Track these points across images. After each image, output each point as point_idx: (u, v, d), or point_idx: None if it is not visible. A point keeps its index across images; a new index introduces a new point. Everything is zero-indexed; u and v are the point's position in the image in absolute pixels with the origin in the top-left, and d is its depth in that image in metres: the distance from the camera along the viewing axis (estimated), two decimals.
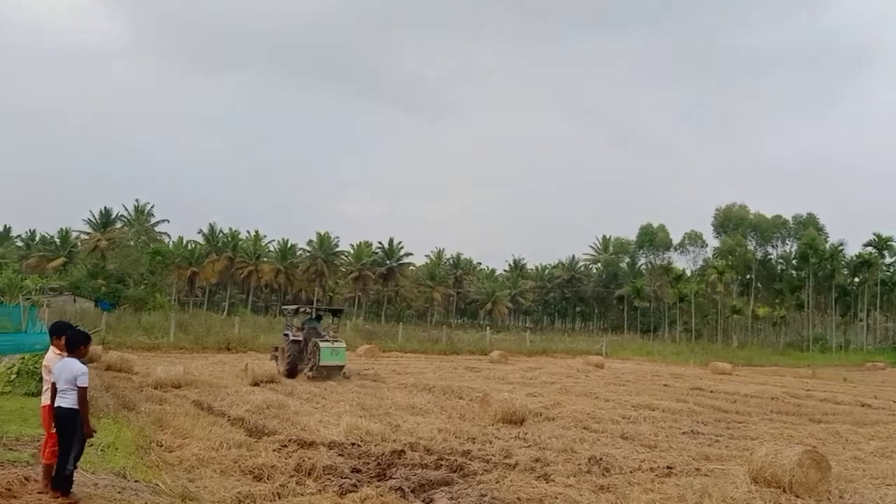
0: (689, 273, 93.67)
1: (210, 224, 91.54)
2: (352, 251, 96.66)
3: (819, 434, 14.25)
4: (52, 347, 6.97)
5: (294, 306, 25.84)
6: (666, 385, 25.48)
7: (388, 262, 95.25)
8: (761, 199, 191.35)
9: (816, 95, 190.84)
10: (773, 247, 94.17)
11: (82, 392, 6.19)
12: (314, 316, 25.08)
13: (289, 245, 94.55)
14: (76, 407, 6.19)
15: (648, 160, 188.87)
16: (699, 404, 18.81)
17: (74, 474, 6.23)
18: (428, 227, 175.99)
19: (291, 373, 21.93)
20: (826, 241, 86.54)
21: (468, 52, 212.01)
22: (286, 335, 23.27)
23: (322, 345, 21.59)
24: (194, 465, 9.09)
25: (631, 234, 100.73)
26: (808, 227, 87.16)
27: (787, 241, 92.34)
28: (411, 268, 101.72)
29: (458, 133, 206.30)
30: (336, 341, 22.30)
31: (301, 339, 22.58)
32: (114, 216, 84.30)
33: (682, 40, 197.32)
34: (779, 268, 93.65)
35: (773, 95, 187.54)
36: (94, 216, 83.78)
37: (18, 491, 6.17)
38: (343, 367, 22.13)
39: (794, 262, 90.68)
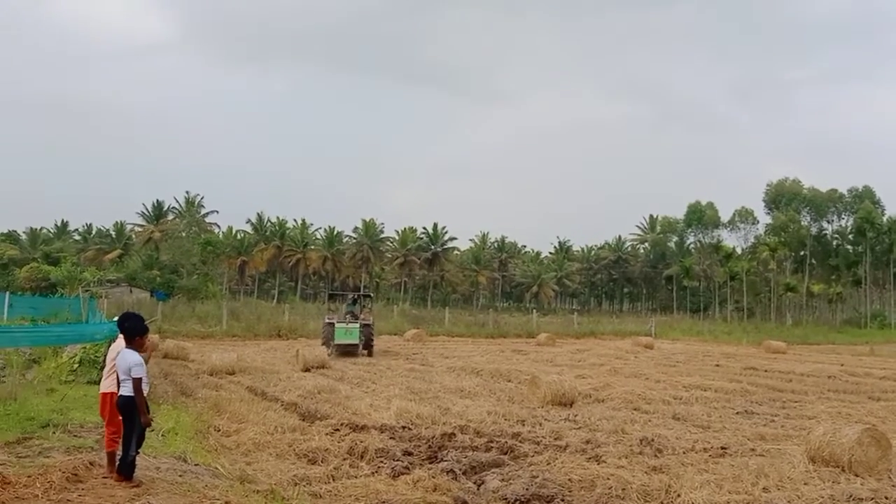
0: (739, 251, 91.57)
1: (258, 213, 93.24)
2: (397, 237, 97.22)
3: (878, 412, 13.86)
4: (119, 337, 7.21)
5: (330, 293, 29.13)
6: (718, 365, 25.07)
7: (432, 247, 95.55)
8: (815, 173, 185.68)
9: (871, 65, 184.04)
10: (828, 222, 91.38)
11: (136, 383, 6.38)
12: (351, 301, 27.84)
13: (335, 232, 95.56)
14: (133, 395, 6.40)
15: (696, 137, 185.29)
16: (753, 384, 18.45)
17: (137, 459, 6.44)
18: (472, 212, 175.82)
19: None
20: (883, 215, 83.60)
21: (513, 32, 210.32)
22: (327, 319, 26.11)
23: (337, 325, 24.73)
24: (250, 448, 9.33)
25: (679, 213, 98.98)
26: (864, 200, 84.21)
27: (843, 216, 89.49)
28: (456, 252, 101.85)
29: (503, 115, 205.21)
30: (351, 322, 25.04)
31: (335, 321, 25.27)
32: (165, 208, 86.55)
33: (731, 10, 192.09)
34: (834, 243, 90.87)
35: (825, 66, 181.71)
36: (146, 209, 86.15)
37: (84, 476, 6.40)
38: (357, 344, 24.72)
39: (850, 236, 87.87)
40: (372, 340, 25.54)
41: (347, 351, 24.47)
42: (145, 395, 6.49)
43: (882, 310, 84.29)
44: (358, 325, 24.80)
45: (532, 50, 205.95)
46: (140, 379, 6.42)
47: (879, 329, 71.29)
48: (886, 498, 7.39)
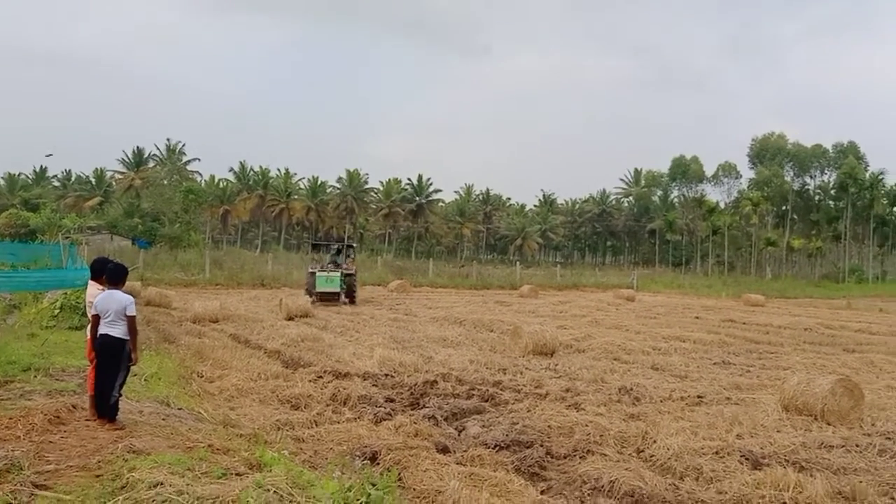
0: (722, 205, 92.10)
1: (241, 162, 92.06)
2: (381, 188, 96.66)
3: (853, 363, 14.18)
4: (91, 283, 7.15)
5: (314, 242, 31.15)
6: (697, 317, 25.43)
7: (417, 198, 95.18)
8: (801, 128, 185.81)
9: (857, 20, 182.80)
10: (811, 177, 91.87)
11: (131, 320, 6.39)
12: (335, 251, 27.99)
13: (319, 182, 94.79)
14: (125, 337, 6.38)
15: (683, 91, 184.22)
16: (731, 336, 18.77)
17: (120, 402, 6.46)
18: (457, 164, 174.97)
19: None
20: (866, 171, 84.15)
21: None
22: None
23: (318, 274, 25.02)
24: (234, 394, 9.40)
25: (663, 167, 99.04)
26: (848, 155, 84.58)
27: (826, 171, 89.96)
28: (441, 204, 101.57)
29: (489, 69, 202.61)
30: (332, 271, 25.26)
31: (317, 270, 25.60)
32: (146, 155, 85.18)
33: None
34: (816, 198, 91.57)
35: (813, 22, 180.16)
36: (127, 155, 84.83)
37: (67, 418, 6.41)
38: (338, 292, 25.00)
39: (832, 192, 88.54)
40: (354, 289, 25.80)
41: (328, 299, 24.84)
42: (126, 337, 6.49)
43: (860, 265, 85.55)
44: (339, 274, 25.08)
45: (519, 4, 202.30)
46: (134, 317, 6.44)
47: (857, 283, 72.52)
48: (857, 446, 7.60)
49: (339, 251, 27.90)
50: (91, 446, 5.58)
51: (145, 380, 9.01)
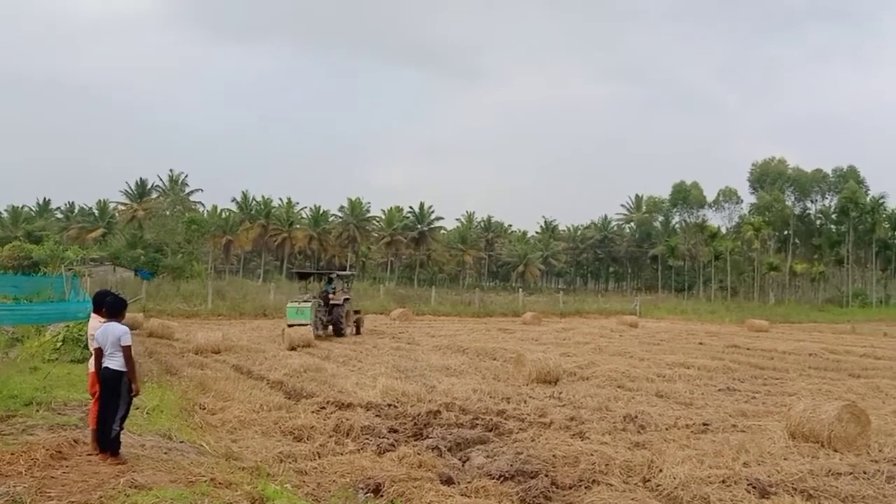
0: (724, 230, 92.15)
1: (243, 192, 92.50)
2: (383, 216, 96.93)
3: (858, 389, 14.08)
4: (93, 316, 7.17)
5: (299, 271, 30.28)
6: (701, 343, 25.32)
7: (419, 226, 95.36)
8: (800, 153, 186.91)
9: (855, 45, 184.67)
10: (812, 201, 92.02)
11: (127, 350, 6.39)
12: (327, 280, 26.32)
13: (321, 211, 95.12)
14: (122, 369, 6.38)
15: (682, 117, 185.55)
16: (735, 361, 18.67)
17: (121, 435, 6.43)
18: (459, 191, 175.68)
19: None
20: (867, 195, 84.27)
21: (499, 11, 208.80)
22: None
23: (288, 305, 24.04)
24: (236, 426, 9.34)
25: (664, 193, 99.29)
26: (848, 180, 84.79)
27: (827, 196, 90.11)
28: (442, 231, 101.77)
29: (489, 96, 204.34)
30: (304, 301, 23.86)
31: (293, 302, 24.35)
32: (149, 186, 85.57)
33: None
34: (818, 223, 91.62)
35: (812, 47, 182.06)
36: (130, 187, 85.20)
37: (69, 453, 6.39)
38: (308, 325, 22.38)
39: (833, 216, 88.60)
40: (341, 321, 24.08)
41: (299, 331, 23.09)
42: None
43: (863, 289, 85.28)
44: (310, 305, 23.38)
45: (518, 29, 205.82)
46: (129, 346, 6.43)
47: (861, 308, 72.22)
48: (864, 472, 7.53)
49: (329, 280, 26.15)
50: (93, 481, 5.55)
51: (147, 413, 8.97)
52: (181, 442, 7.69)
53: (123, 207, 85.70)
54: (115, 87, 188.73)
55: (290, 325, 22.32)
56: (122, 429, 6.42)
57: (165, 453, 6.90)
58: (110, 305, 6.63)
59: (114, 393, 6.38)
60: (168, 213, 76.91)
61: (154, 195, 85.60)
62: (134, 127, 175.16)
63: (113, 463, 6.14)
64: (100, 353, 6.43)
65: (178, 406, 10.07)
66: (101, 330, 6.48)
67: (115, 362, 6.38)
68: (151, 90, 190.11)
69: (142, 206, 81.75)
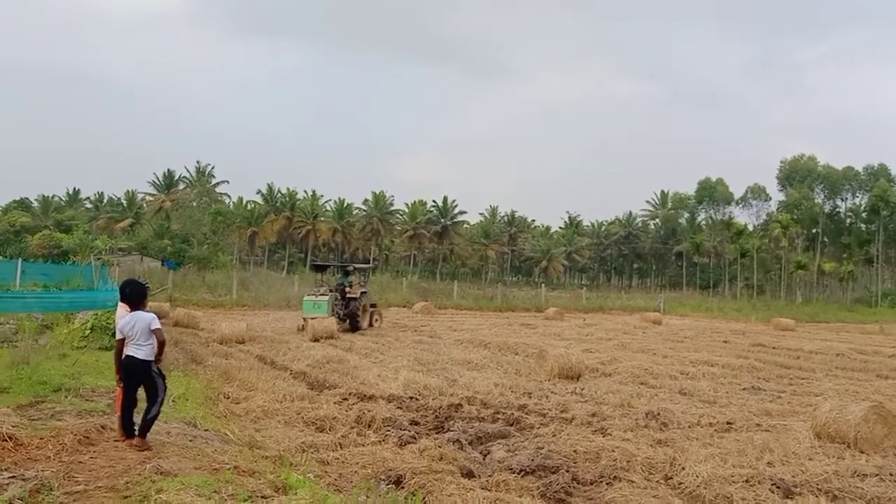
0: (750, 228, 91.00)
1: (268, 184, 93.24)
2: (407, 210, 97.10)
3: (886, 390, 13.84)
4: (120, 305, 7.26)
5: (318, 264, 29.68)
6: (726, 341, 25.06)
7: (442, 220, 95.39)
8: (830, 151, 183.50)
9: (887, 43, 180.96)
10: (842, 199, 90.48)
11: (158, 333, 6.47)
12: (344, 273, 25.84)
13: (345, 204, 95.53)
14: (148, 358, 6.46)
15: (709, 114, 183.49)
16: (760, 360, 18.45)
17: (153, 423, 6.52)
18: (483, 186, 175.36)
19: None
20: None
21: (523, 10, 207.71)
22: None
23: (305, 298, 23.72)
24: (260, 416, 9.44)
25: (690, 189, 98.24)
26: (879, 178, 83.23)
27: (858, 194, 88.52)
28: (466, 226, 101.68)
29: (513, 92, 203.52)
30: (321, 295, 23.51)
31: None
32: (176, 178, 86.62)
33: None
34: (847, 221, 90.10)
35: (838, 44, 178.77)
36: (157, 178, 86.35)
37: (96, 438, 6.49)
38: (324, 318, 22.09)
39: (863, 214, 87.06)
40: (357, 315, 23.59)
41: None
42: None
43: (893, 289, 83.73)
44: (327, 298, 23.15)
45: (543, 27, 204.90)
46: (160, 329, 6.52)
47: (890, 308, 70.84)
48: (891, 475, 7.42)
49: (346, 273, 25.70)
50: (120, 467, 5.64)
51: (173, 401, 9.09)
52: (206, 430, 7.79)
53: (151, 198, 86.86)
54: (146, 82, 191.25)
55: (304, 317, 22.58)
56: (158, 413, 6.50)
57: (190, 441, 6.99)
58: (129, 295, 6.69)
59: (136, 381, 6.48)
60: (195, 204, 77.86)
61: (181, 186, 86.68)
62: (163, 120, 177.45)
63: (139, 448, 6.24)
64: (122, 343, 6.51)
65: (203, 395, 10.20)
66: (126, 320, 6.55)
67: (142, 352, 6.44)
68: (180, 85, 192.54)
69: (169, 197, 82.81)
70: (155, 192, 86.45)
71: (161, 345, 6.56)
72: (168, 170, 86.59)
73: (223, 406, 9.85)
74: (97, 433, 6.63)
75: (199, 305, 31.29)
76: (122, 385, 6.60)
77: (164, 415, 8.02)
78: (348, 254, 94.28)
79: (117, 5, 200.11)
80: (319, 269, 28.47)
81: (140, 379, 6.47)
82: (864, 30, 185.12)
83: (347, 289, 24.44)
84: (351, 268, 26.55)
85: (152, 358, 6.49)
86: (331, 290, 24.24)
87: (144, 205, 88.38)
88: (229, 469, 5.75)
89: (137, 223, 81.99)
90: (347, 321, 23.47)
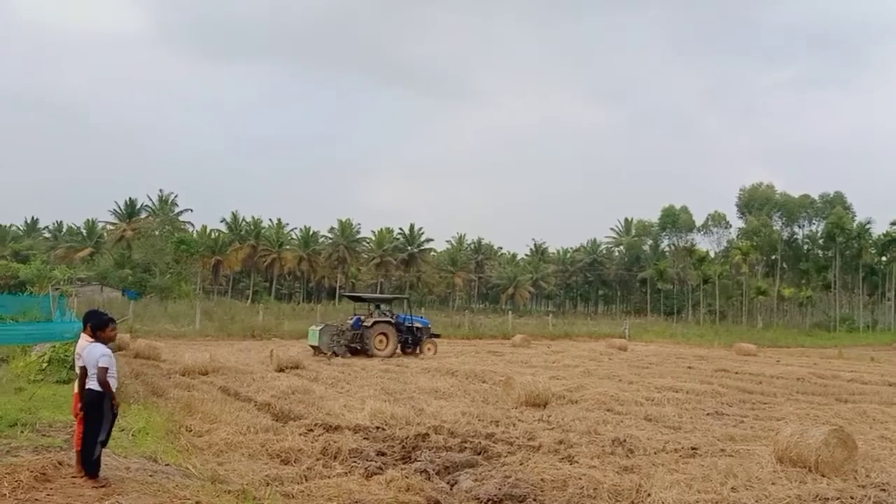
0: (712, 254, 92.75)
1: (233, 212, 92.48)
2: (373, 237, 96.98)
3: (846, 414, 14.10)
4: (82, 335, 7.14)
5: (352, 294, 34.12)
6: (690, 367, 25.34)
7: (409, 247, 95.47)
8: (788, 178, 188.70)
9: (842, 72, 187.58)
10: (799, 226, 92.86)
11: (101, 372, 6.33)
12: (375, 306, 28.46)
13: (311, 232, 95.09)
14: (100, 389, 6.33)
15: (671, 140, 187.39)
16: (724, 386, 18.68)
17: (103, 458, 6.37)
18: (449, 213, 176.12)
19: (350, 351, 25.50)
20: (853, 220, 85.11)
21: (489, 35, 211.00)
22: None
23: (310, 328, 26.42)
24: (223, 449, 9.26)
25: (653, 217, 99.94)
26: (835, 205, 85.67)
27: (814, 221, 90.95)
28: (432, 253, 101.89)
29: (479, 117, 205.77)
30: (318, 325, 26.35)
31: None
32: (138, 206, 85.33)
33: (705, 16, 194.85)
34: (805, 248, 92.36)
35: (796, 73, 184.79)
36: (119, 207, 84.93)
37: (52, 475, 6.32)
38: (317, 347, 25.25)
39: (820, 241, 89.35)
40: (367, 342, 25.36)
41: (317, 352, 25.23)
42: (113, 390, 6.46)
43: (850, 314, 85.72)
44: (319, 328, 25.59)
45: (507, 52, 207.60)
46: (106, 369, 6.36)
47: (848, 332, 72.50)
48: (852, 498, 7.54)
49: (377, 306, 28.22)
50: None
51: (133, 435, 8.90)
52: (167, 465, 7.62)
53: (112, 227, 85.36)
54: (105, 107, 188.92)
55: (310, 345, 25.67)
56: (101, 453, 6.35)
57: (151, 476, 6.83)
58: (92, 326, 6.62)
59: (94, 414, 6.34)
60: (157, 233, 76.72)
61: (143, 215, 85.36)
62: (124, 147, 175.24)
63: (95, 486, 6.08)
64: (84, 374, 6.39)
65: (165, 428, 9.98)
66: (86, 350, 6.45)
67: (94, 384, 6.35)
68: (142, 111, 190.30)
69: (130, 226, 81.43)
70: (116, 220, 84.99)
71: (102, 385, 6.37)
72: (130, 198, 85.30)
73: (185, 439, 9.64)
74: (54, 469, 6.45)
75: (161, 336, 30.69)
76: (79, 418, 6.46)
77: (124, 449, 7.86)
78: (313, 282, 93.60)
79: (74, 27, 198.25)
80: (354, 299, 31.88)
81: (95, 412, 6.34)
82: (818, 59, 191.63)
83: (363, 319, 26.24)
84: (380, 300, 29.83)
85: (102, 389, 6.35)
86: (327, 324, 26.92)
87: (105, 234, 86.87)
88: None
89: (98, 252, 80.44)
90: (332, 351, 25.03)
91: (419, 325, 27.60)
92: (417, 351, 26.66)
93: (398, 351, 26.11)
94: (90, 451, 6.25)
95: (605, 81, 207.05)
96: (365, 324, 25.69)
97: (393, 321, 26.53)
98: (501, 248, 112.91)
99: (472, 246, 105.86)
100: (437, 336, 29.21)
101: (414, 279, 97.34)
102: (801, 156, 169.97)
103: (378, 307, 27.95)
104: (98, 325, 6.65)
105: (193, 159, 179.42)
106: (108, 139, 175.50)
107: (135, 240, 77.26)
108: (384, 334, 25.96)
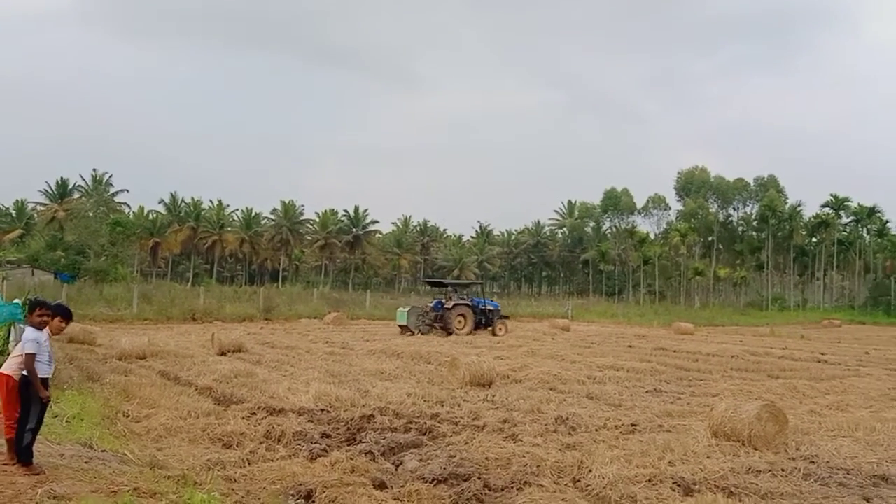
0: (652, 236, 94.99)
1: (171, 193, 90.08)
2: (317, 219, 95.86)
3: (777, 389, 14.66)
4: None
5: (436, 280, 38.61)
6: (630, 346, 25.95)
7: (354, 229, 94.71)
8: (723, 162, 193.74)
9: (775, 58, 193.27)
10: (734, 209, 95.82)
11: (27, 359, 6.10)
12: (453, 290, 32.15)
13: (253, 214, 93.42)
14: (26, 375, 6.12)
15: (611, 125, 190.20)
16: (662, 364, 19.20)
17: (36, 445, 6.16)
18: (394, 196, 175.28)
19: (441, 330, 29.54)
20: (785, 203, 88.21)
21: (431, 18, 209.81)
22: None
23: (398, 310, 30.43)
24: (162, 434, 9.05)
25: (596, 199, 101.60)
26: (768, 188, 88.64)
27: (749, 203, 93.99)
28: (378, 235, 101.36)
29: (424, 101, 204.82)
30: (409, 308, 29.91)
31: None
32: (71, 186, 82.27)
33: (641, 4, 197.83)
34: (740, 229, 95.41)
35: (734, 58, 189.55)
36: (50, 187, 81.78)
37: None
38: (405, 325, 29.01)
39: (754, 223, 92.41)
40: (448, 321, 29.11)
41: (404, 331, 28.82)
42: (48, 376, 6.25)
43: (782, 293, 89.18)
44: (407, 310, 29.38)
45: (446, 37, 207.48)
46: (32, 355, 6.12)
47: (779, 311, 75.50)
48: (783, 470, 7.84)
49: (455, 290, 32.01)
50: (9, 493, 5.29)
51: (67, 421, 8.62)
52: (103, 451, 7.41)
53: (43, 208, 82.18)
54: (34, 83, 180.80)
55: (397, 324, 29.56)
56: (32, 440, 6.13)
57: (86, 462, 6.63)
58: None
59: (22, 401, 6.13)
60: (91, 214, 74.00)
61: (76, 195, 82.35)
62: (55, 125, 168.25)
63: (29, 473, 5.87)
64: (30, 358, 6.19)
65: (100, 414, 9.68)
66: (24, 334, 6.26)
67: (23, 369, 6.14)
68: (72, 90, 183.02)
69: (62, 207, 78.50)
70: (47, 201, 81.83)
71: (28, 371, 6.13)
72: (61, 178, 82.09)
73: (122, 425, 9.39)
74: None
75: (97, 320, 29.77)
76: (4, 403, 6.25)
77: (58, 436, 7.61)
78: (256, 265, 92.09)
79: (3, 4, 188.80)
80: (434, 285, 36.69)
81: (19, 399, 6.13)
82: (747, 46, 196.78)
83: (445, 302, 29.94)
84: (452, 285, 33.10)
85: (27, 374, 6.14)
86: (413, 306, 30.99)
87: (35, 215, 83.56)
88: (128, 491, 5.50)
89: (28, 234, 77.30)
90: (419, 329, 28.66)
91: (491, 308, 31.00)
92: (490, 330, 29.70)
93: (473, 330, 29.47)
94: (19, 437, 6.03)
95: (547, 68, 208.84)
96: (446, 306, 29.29)
97: (470, 304, 30.10)
98: (447, 230, 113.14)
99: (418, 228, 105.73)
100: (507, 317, 32.36)
101: (359, 261, 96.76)
102: (735, 139, 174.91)
103: (456, 291, 31.61)
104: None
105: (129, 139, 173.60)
106: (38, 117, 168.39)
107: (67, 221, 74.49)
108: (463, 315, 29.60)
